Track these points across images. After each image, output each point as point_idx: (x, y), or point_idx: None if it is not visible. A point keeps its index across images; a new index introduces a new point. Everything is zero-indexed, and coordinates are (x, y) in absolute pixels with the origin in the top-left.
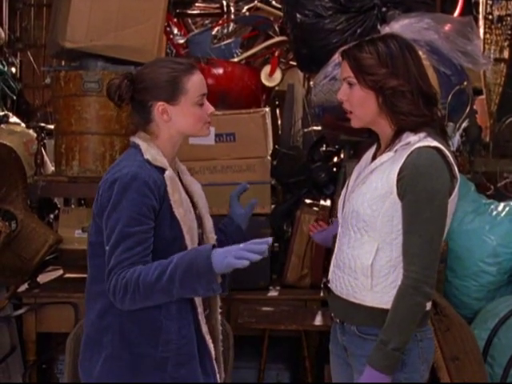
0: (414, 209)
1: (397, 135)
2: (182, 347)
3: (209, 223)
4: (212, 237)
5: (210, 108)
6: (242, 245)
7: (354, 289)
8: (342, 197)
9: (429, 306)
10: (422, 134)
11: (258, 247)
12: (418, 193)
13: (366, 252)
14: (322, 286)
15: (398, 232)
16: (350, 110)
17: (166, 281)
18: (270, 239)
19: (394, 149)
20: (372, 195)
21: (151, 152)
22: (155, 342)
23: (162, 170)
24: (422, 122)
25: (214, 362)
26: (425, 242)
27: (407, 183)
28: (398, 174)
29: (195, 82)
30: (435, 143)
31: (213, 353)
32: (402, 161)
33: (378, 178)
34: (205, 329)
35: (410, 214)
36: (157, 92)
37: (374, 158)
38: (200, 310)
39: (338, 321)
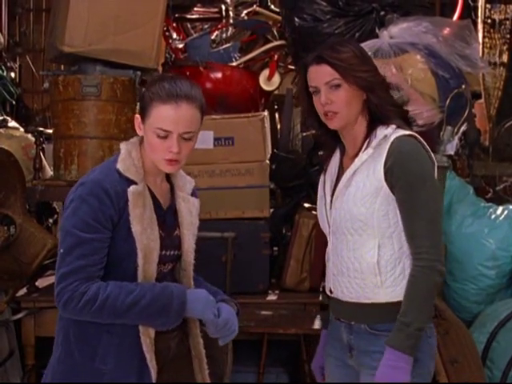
0: (408, 194)
1: (371, 130)
2: (120, 361)
3: (187, 244)
4: (190, 261)
5: (172, 147)
6: (223, 307)
7: (363, 290)
8: (322, 208)
9: None
10: (393, 126)
11: (228, 330)
12: (410, 177)
13: (369, 250)
14: (321, 290)
15: (395, 224)
16: (335, 111)
17: (134, 313)
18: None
19: (372, 146)
20: (362, 194)
21: (126, 162)
22: (94, 354)
23: (132, 182)
24: (402, 112)
25: (154, 382)
26: (427, 222)
27: (397, 171)
28: (384, 166)
29: (160, 113)
30: (409, 132)
31: (152, 373)
32: (385, 153)
33: (364, 177)
34: (146, 347)
35: (407, 200)
36: (139, 103)
37: (341, 162)
38: (141, 328)
39: (342, 320)
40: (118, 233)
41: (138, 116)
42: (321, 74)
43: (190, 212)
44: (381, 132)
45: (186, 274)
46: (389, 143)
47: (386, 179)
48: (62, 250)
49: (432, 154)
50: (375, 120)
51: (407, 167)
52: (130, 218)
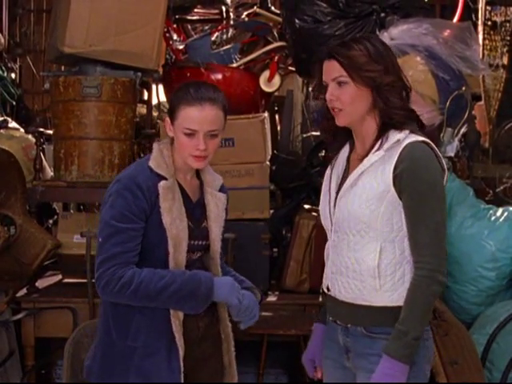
0: (416, 201)
1: (382, 132)
2: (150, 339)
3: (214, 235)
4: (216, 250)
5: (199, 144)
6: (245, 294)
7: (361, 291)
8: (325, 204)
9: None
10: (406, 131)
11: (249, 314)
12: (420, 185)
13: (370, 253)
14: (321, 291)
15: (398, 229)
16: (340, 107)
17: (165, 297)
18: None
19: (384, 148)
20: (368, 196)
21: (157, 160)
22: (127, 333)
23: (163, 178)
24: (411, 116)
25: (181, 361)
26: (432, 231)
27: (407, 177)
28: (394, 171)
29: (187, 114)
30: (422, 138)
31: (181, 352)
32: (396, 157)
33: (372, 178)
34: (175, 328)
35: (414, 207)
36: (168, 107)
37: (348, 160)
38: (172, 310)
39: (338, 322)
40: (151, 223)
41: (167, 119)
42: (329, 70)
43: (216, 206)
44: (393, 136)
45: (213, 261)
46: (401, 147)
47: (395, 184)
48: (100, 239)
49: (443, 161)
50: (387, 123)
51: (418, 175)
52: (161, 209)
